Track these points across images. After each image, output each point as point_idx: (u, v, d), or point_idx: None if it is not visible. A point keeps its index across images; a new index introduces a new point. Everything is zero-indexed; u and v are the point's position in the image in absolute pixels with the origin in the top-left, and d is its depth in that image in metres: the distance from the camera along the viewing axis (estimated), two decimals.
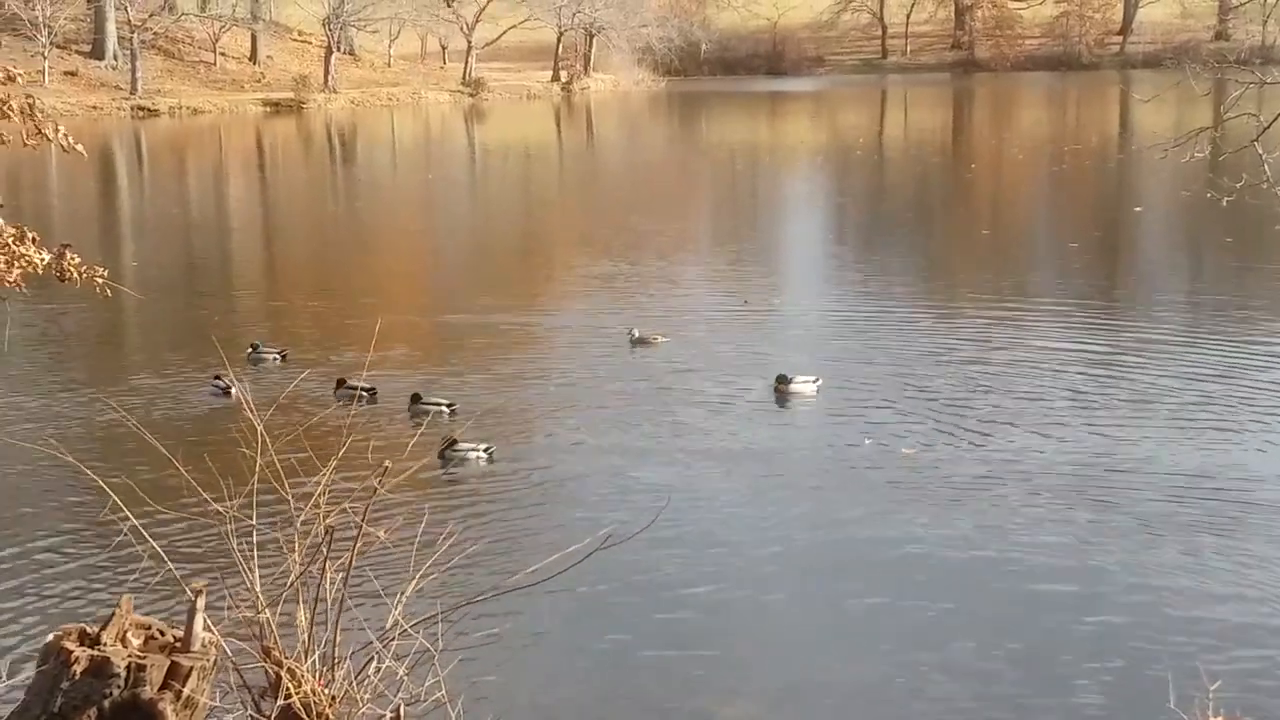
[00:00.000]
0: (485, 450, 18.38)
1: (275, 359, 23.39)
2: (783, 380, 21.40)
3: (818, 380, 21.49)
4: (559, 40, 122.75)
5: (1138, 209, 45.03)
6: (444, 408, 20.21)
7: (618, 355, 24.05)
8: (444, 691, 9.39)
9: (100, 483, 10.32)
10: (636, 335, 24.79)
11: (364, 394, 19.98)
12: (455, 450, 18.19)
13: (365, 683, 9.59)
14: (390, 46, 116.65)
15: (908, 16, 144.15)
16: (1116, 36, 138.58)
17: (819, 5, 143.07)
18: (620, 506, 16.38)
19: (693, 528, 15.77)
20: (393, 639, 9.67)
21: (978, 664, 12.58)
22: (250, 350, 23.49)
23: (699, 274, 33.98)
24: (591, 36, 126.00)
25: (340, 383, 20.88)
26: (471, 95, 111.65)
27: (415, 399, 20.41)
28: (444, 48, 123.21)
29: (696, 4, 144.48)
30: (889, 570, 14.75)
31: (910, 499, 16.79)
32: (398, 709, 9.46)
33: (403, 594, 9.98)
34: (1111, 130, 78.42)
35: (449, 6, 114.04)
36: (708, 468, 18.20)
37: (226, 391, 20.77)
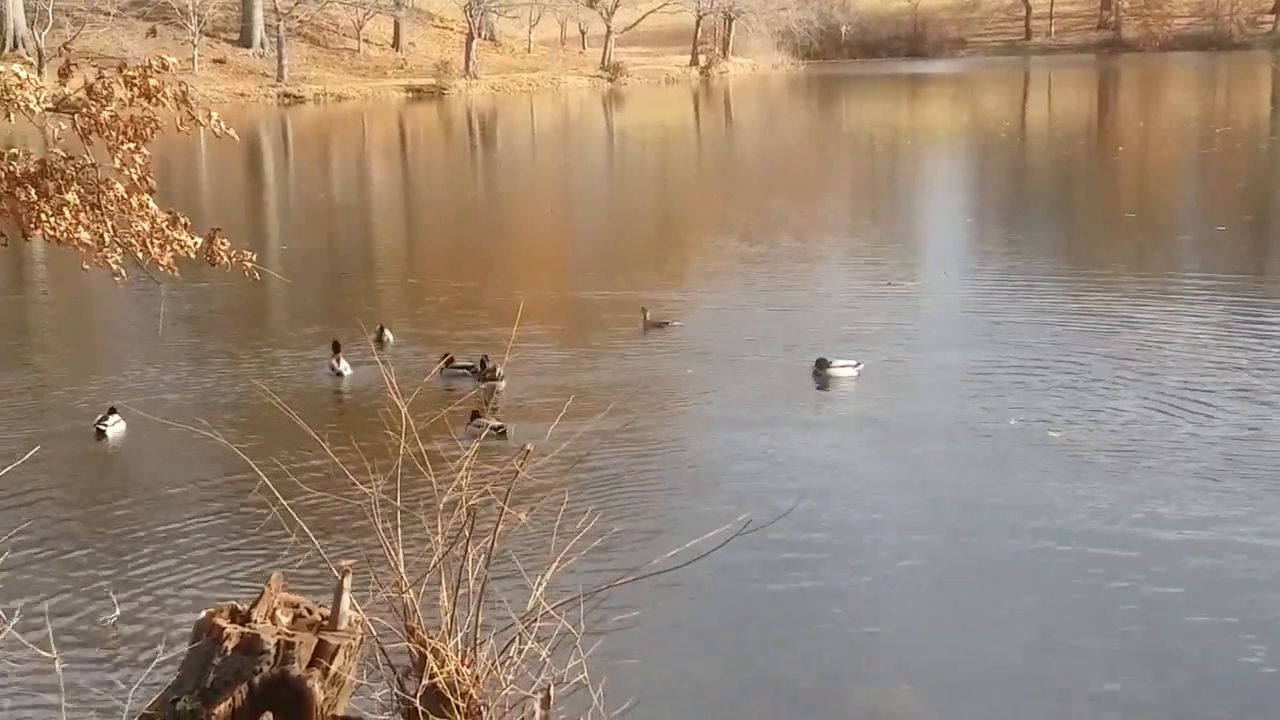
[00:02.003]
0: (497, 428, 17.68)
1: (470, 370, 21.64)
2: (822, 364, 21.19)
3: (859, 365, 21.22)
4: (698, 24, 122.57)
5: None
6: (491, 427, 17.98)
7: (756, 335, 23.98)
8: (586, 674, 9.43)
9: (250, 464, 10.50)
10: (650, 318, 24.68)
11: (467, 370, 20.57)
12: (478, 424, 17.47)
13: (508, 663, 9.66)
14: (530, 32, 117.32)
15: None
16: (1269, 15, 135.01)
17: None
18: (761, 489, 16.32)
19: (833, 511, 15.66)
20: (535, 620, 9.71)
21: (1129, 652, 12.34)
22: (377, 331, 23.47)
23: (838, 255, 33.79)
24: (730, 20, 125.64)
25: (448, 361, 20.96)
26: (610, 80, 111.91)
27: (474, 415, 18.60)
28: (583, 33, 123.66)
29: None
30: (1036, 555, 14.51)
31: (1056, 481, 16.53)
32: (547, 689, 9.51)
33: (544, 576, 10.03)
34: (1263, 111, 76.48)
35: (600, 9, 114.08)
36: (849, 450, 18.08)
37: (487, 373, 20.43)
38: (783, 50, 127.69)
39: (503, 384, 20.75)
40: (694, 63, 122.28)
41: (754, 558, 13.52)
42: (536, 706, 9.48)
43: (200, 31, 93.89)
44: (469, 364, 21.21)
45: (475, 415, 19.40)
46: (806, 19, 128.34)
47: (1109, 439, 18.07)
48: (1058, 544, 14.73)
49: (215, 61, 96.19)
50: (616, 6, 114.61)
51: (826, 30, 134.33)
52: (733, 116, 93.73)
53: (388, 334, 23.90)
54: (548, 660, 9.50)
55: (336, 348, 21.91)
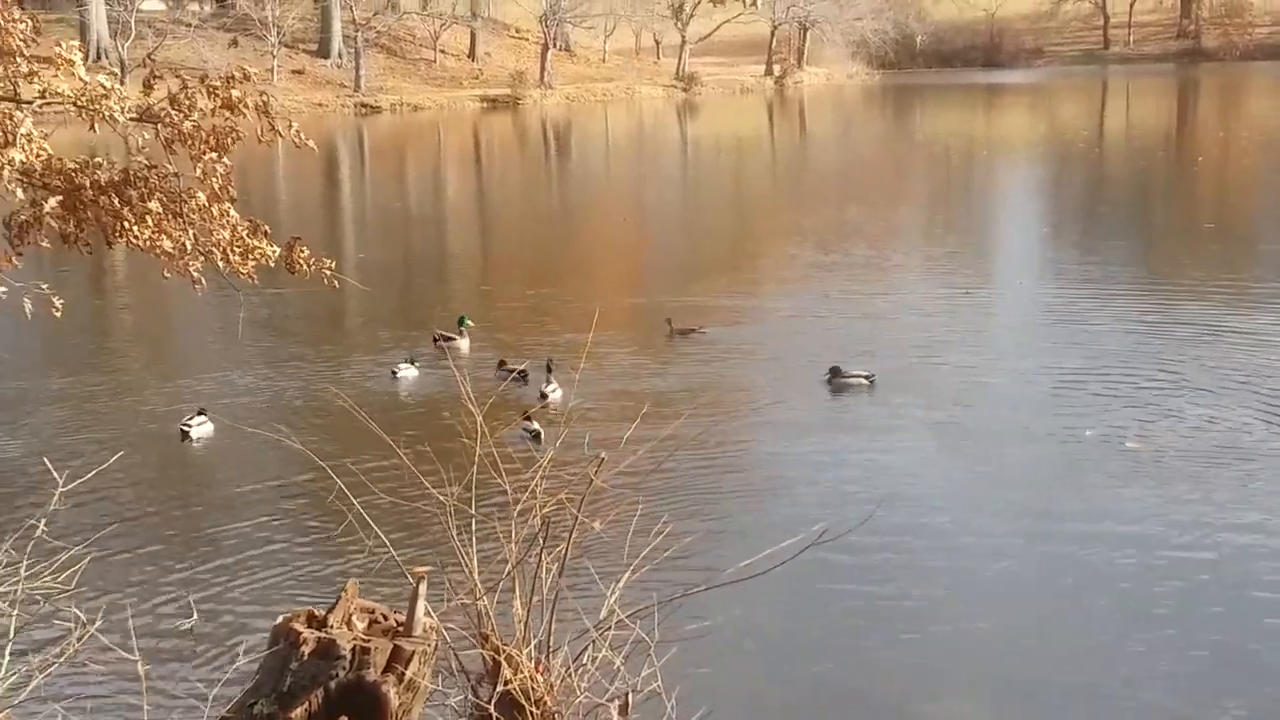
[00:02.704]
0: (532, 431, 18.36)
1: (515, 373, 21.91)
2: (836, 373, 21.26)
3: (870, 375, 21.22)
4: (773, 34, 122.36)
5: None
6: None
7: (829, 343, 23.92)
8: (659, 682, 9.44)
9: (328, 470, 10.60)
10: (675, 326, 24.82)
11: (519, 375, 20.99)
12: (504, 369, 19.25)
13: (581, 671, 9.69)
14: (605, 42, 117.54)
15: (1131, 5, 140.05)
16: None
17: None
18: (835, 497, 16.30)
19: (908, 520, 15.57)
20: (608, 629, 9.75)
21: (1209, 664, 12.20)
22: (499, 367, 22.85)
23: (913, 264, 33.66)
24: (805, 30, 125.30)
25: (500, 363, 21.59)
26: (684, 90, 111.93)
27: (527, 418, 18.99)
28: (658, 43, 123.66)
29: None
30: (1112, 565, 14.37)
31: (1134, 490, 16.41)
32: (625, 696, 9.54)
33: (617, 584, 10.06)
34: None
35: (675, 19, 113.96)
36: (924, 458, 18.03)
37: (536, 436, 18.68)
38: (858, 60, 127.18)
39: (555, 392, 20.84)
40: (768, 73, 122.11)
41: (829, 566, 13.48)
42: (614, 713, 9.51)
43: (279, 42, 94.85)
44: (521, 367, 21.59)
45: (502, 363, 21.21)
46: (882, 29, 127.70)
47: (1187, 448, 17.88)
48: (1135, 554, 14.59)
49: (294, 72, 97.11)
50: (692, 16, 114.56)
51: (902, 40, 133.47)
52: (807, 126, 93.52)
53: (467, 324, 24.65)
54: (621, 668, 9.52)
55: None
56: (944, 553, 14.85)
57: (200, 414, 19.72)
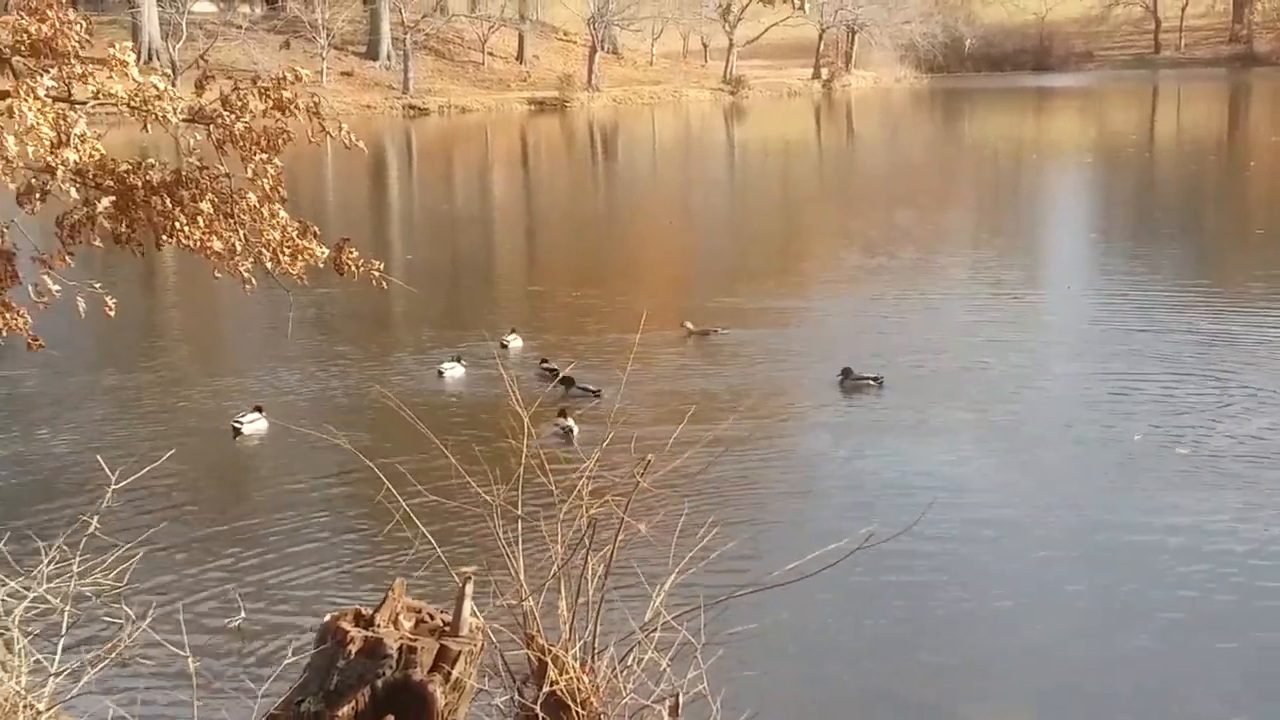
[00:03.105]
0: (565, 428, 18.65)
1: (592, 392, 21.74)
2: (847, 374, 21.45)
3: (878, 378, 21.39)
4: (820, 37, 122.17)
5: None
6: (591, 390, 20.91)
7: (875, 346, 23.88)
8: (705, 684, 9.44)
9: (375, 469, 10.65)
10: (691, 328, 24.95)
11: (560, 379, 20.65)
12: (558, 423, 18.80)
13: (627, 673, 9.70)
14: (653, 45, 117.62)
15: (1183, 9, 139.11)
16: None
17: None
18: (882, 500, 16.27)
19: (956, 524, 15.50)
20: (654, 630, 9.75)
21: (1262, 676, 12.09)
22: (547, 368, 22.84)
23: (961, 268, 33.49)
24: (853, 33, 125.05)
25: (550, 370, 21.42)
26: (732, 93, 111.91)
27: (562, 414, 19.18)
28: (705, 46, 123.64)
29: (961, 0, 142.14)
30: (1164, 574, 14.26)
31: (1184, 498, 16.28)
32: (676, 697, 9.53)
33: (663, 585, 10.06)
34: None
35: (723, 21, 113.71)
36: (973, 462, 17.95)
37: (568, 433, 18.88)
38: (906, 64, 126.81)
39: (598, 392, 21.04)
40: (816, 76, 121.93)
41: (875, 570, 13.45)
42: (665, 713, 9.50)
43: (329, 45, 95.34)
44: (554, 367, 21.73)
45: (550, 368, 21.16)
46: (930, 32, 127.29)
47: (1240, 454, 17.74)
48: (1187, 559, 14.49)
49: (343, 74, 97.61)
50: (739, 20, 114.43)
51: (950, 43, 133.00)
52: (854, 129, 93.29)
53: (514, 339, 24.53)
54: (667, 670, 9.52)
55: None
56: (992, 557, 14.80)
57: (256, 411, 19.89)
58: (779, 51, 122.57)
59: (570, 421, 18.67)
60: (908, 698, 11.97)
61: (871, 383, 21.33)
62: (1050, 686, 12.08)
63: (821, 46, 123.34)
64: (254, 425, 19.69)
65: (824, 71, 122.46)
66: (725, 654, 10.46)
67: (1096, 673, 12.29)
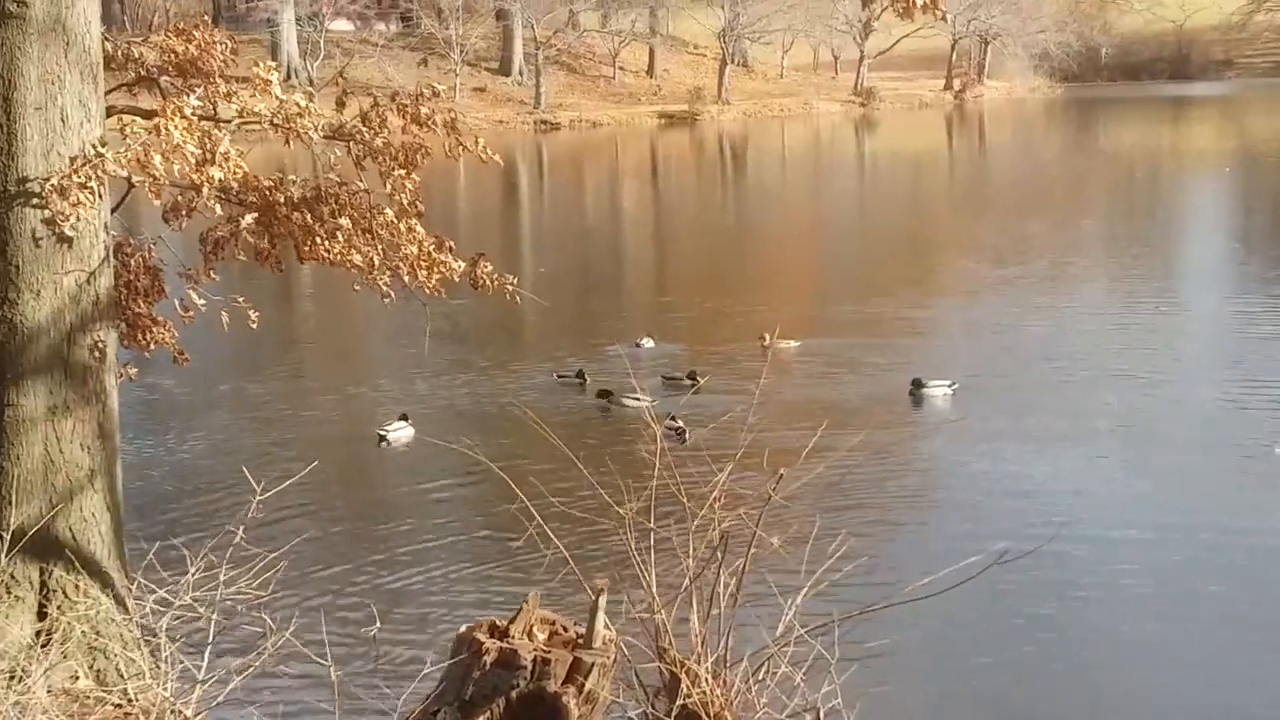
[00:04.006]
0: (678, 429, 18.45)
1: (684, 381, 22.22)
2: (917, 384, 21.40)
3: (952, 384, 21.39)
4: (953, 48, 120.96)
5: None
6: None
7: (1009, 356, 23.66)
8: (840, 699, 9.38)
9: (510, 483, 10.74)
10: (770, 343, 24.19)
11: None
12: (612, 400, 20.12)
13: (760, 686, 9.67)
14: (783, 58, 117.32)
15: None
16: None
17: (1228, 6, 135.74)
18: (1018, 514, 16.08)
19: (1090, 539, 15.28)
20: (787, 644, 9.71)
21: None
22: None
23: (1096, 278, 33.06)
24: (987, 43, 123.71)
25: (604, 394, 21.45)
26: (862, 105, 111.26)
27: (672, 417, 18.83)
28: (836, 58, 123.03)
29: (1097, 8, 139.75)
30: None
31: None
32: (816, 710, 9.48)
33: (795, 599, 10.01)
34: None
35: (854, 33, 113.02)
36: (1110, 476, 17.72)
37: (681, 434, 18.70)
38: (1040, 73, 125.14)
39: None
40: (948, 87, 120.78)
41: (1010, 585, 13.26)
42: None
43: (462, 61, 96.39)
44: (678, 375, 22.15)
45: (606, 394, 21.28)
46: (1065, 41, 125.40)
47: None
48: None
49: (475, 89, 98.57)
50: (870, 31, 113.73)
51: (1086, 52, 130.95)
52: (987, 140, 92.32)
53: (648, 342, 25.17)
54: (801, 684, 9.48)
55: (605, 394, 21.70)
56: (1128, 574, 14.52)
57: (402, 419, 20.17)
58: (910, 63, 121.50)
59: (680, 423, 18.71)
60: (1040, 717, 11.81)
61: (947, 391, 21.35)
62: (1190, 711, 11.84)
63: (954, 57, 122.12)
64: (399, 434, 19.95)
65: (956, 82, 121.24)
66: (860, 669, 10.37)
67: (1240, 698, 12.03)
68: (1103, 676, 12.40)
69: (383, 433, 19.91)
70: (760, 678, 9.80)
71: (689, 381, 21.34)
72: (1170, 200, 53.45)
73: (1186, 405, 20.70)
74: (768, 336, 24.66)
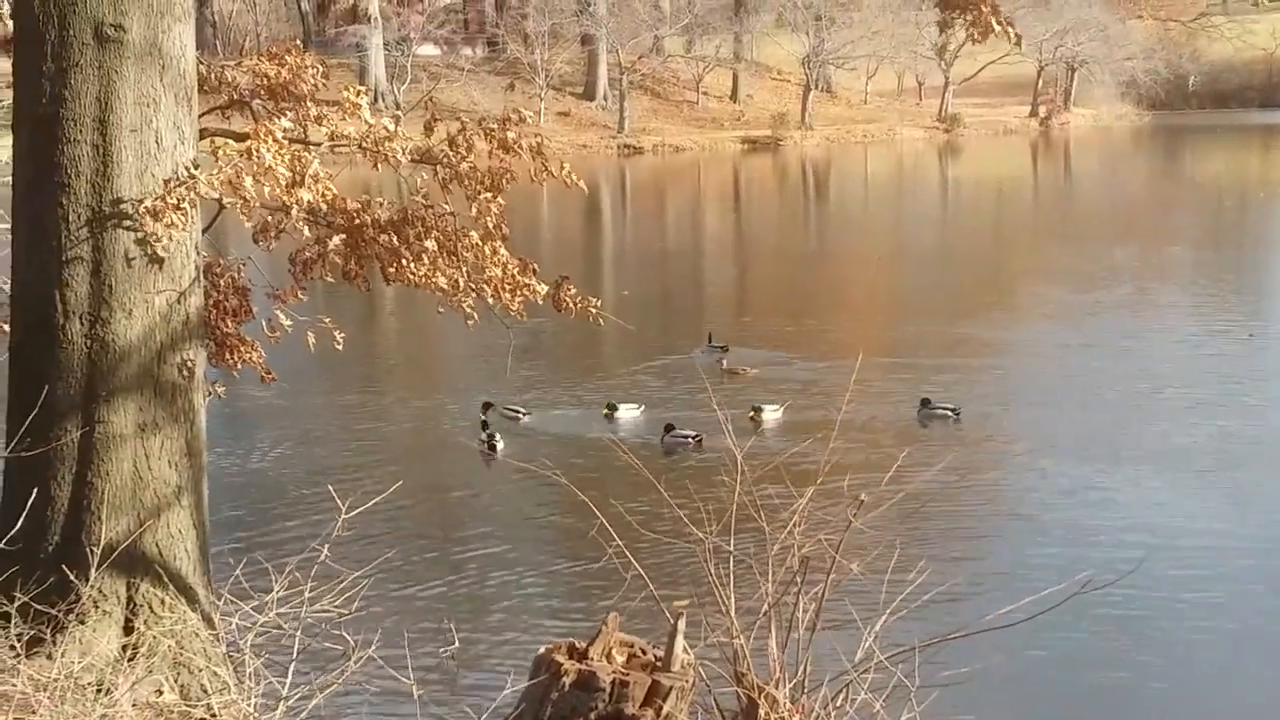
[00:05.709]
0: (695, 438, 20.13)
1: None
2: (925, 404, 21.72)
3: (957, 408, 21.63)
4: (1039, 74, 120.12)
5: None
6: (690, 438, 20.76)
7: (1091, 381, 23.44)
8: None
9: (591, 506, 10.79)
10: (725, 365, 25.66)
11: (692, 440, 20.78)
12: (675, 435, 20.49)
13: (839, 713, 9.64)
14: (867, 84, 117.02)
15: None
16: None
17: None
18: (1101, 541, 15.96)
19: (1175, 569, 15.13)
20: (866, 671, 9.67)
21: None
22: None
23: (1181, 305, 32.73)
24: (1073, 70, 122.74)
25: (668, 428, 21.19)
26: (946, 131, 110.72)
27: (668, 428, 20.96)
28: (920, 84, 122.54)
29: (1186, 35, 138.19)
30: None
31: None
32: None
33: (874, 625, 9.97)
34: None
35: (938, 59, 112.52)
36: (1194, 503, 17.52)
37: (699, 441, 20.61)
38: (1127, 101, 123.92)
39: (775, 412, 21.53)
40: (1033, 114, 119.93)
41: (1092, 615, 13.16)
42: None
43: (547, 85, 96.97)
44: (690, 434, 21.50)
45: (670, 427, 21.05)
46: (1153, 68, 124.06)
47: None
48: None
49: (560, 114, 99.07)
50: (956, 58, 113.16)
51: (1174, 80, 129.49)
52: (1072, 167, 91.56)
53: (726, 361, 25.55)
54: (881, 712, 9.44)
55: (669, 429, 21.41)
56: (1214, 605, 14.35)
57: (516, 413, 22.03)
58: (995, 89, 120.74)
59: (692, 431, 20.25)
60: None
61: (951, 413, 21.43)
62: None
63: (1040, 84, 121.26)
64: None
65: (1041, 109, 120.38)
66: (940, 697, 10.31)
67: None
68: (1183, 709, 12.24)
69: (492, 441, 20.73)
70: (839, 704, 9.76)
71: (693, 440, 20.95)
72: (1259, 228, 52.79)
73: (1275, 435, 20.42)
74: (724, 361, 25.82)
